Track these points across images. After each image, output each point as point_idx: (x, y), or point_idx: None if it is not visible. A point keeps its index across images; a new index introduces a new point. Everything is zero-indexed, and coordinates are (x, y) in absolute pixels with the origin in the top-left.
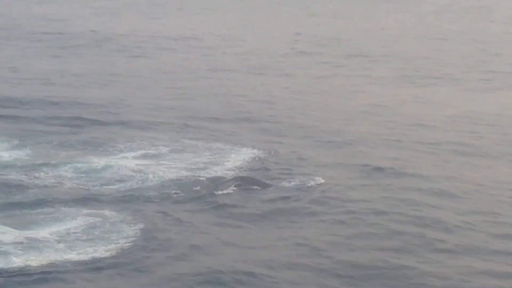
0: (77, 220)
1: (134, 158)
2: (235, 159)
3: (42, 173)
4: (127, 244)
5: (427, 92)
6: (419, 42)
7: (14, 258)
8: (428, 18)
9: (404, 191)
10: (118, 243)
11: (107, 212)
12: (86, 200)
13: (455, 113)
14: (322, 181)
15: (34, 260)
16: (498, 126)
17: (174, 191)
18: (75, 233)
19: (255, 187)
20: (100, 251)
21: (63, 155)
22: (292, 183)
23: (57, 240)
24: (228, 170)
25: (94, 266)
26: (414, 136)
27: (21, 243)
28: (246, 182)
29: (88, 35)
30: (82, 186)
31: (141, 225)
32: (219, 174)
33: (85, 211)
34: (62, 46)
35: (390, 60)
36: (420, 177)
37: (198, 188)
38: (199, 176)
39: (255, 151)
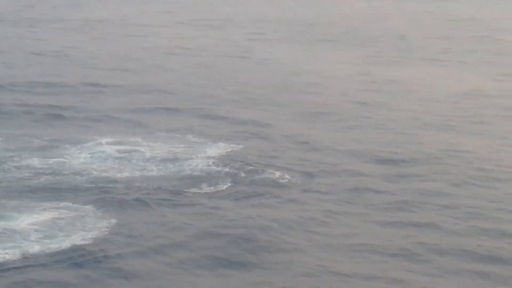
0: (49, 212)
1: (110, 148)
2: (209, 152)
3: (13, 164)
4: (102, 236)
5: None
6: None
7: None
8: None
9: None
10: (93, 234)
11: (80, 204)
12: (59, 191)
13: None
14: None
15: (9, 251)
16: None
17: (147, 184)
18: (49, 224)
19: (229, 181)
20: (74, 242)
21: (35, 145)
22: (263, 176)
23: (31, 230)
24: (203, 164)
25: (69, 257)
26: None
27: None
28: (222, 176)
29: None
30: (54, 178)
31: (114, 219)
32: (193, 167)
33: (57, 203)
34: None
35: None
36: None
37: (173, 182)
38: (173, 170)
39: (229, 144)
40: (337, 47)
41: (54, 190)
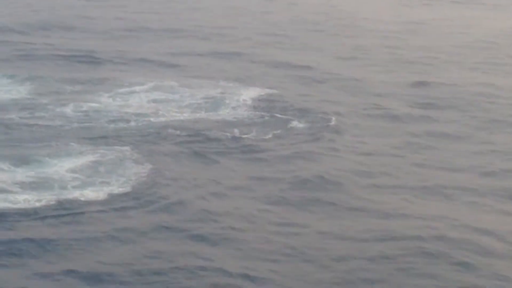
0: (86, 157)
1: (145, 95)
2: (245, 98)
3: (46, 112)
4: (139, 183)
5: None
6: None
7: (24, 197)
8: None
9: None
10: (130, 181)
11: (117, 149)
12: (94, 137)
13: None
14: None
15: (47, 198)
16: None
17: (183, 131)
18: (86, 170)
19: (270, 129)
20: (113, 188)
21: (69, 91)
22: (305, 124)
23: (69, 177)
24: (239, 110)
25: (108, 205)
26: None
27: (31, 182)
28: (259, 123)
29: None
30: (89, 124)
31: (150, 165)
32: (228, 114)
33: (93, 148)
34: None
35: None
36: None
37: (209, 128)
38: (209, 116)
39: (265, 89)
40: None
41: (90, 136)
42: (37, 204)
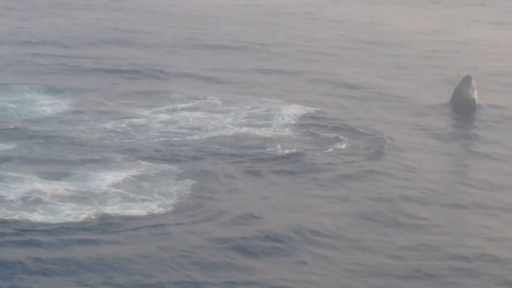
0: (129, 172)
1: (187, 110)
2: (288, 116)
3: (88, 126)
4: (182, 201)
5: None
6: None
7: (66, 211)
8: None
9: None
10: (173, 200)
11: (159, 167)
12: (137, 153)
13: None
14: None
15: (87, 213)
16: None
17: (226, 148)
18: (128, 187)
19: (315, 147)
20: (154, 206)
21: (111, 106)
22: (356, 142)
23: (109, 193)
24: (283, 127)
25: (148, 222)
26: None
27: (73, 196)
28: (304, 141)
29: None
30: (131, 139)
31: (193, 182)
32: (274, 132)
33: (134, 165)
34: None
35: None
36: None
37: (253, 145)
38: (254, 133)
39: (307, 107)
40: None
41: (130, 152)
42: (79, 219)
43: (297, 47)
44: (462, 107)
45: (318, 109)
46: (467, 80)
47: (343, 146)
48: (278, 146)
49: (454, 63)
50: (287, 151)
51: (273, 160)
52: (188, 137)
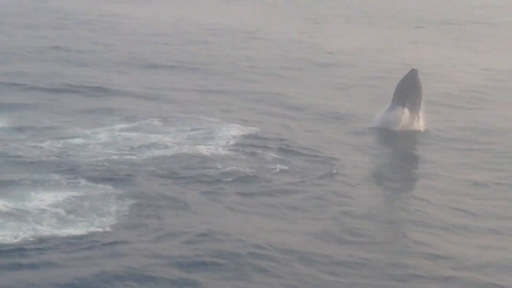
0: (68, 193)
1: (127, 130)
2: (229, 136)
3: (25, 144)
4: (122, 221)
5: None
6: None
7: (1, 232)
8: None
9: None
10: (110, 218)
11: (97, 186)
12: (76, 172)
13: None
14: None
15: (24, 234)
16: None
17: (166, 168)
18: (66, 207)
19: (256, 167)
20: (94, 227)
21: (48, 124)
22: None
23: (48, 214)
24: (224, 147)
25: (84, 243)
26: None
27: (10, 216)
28: (246, 161)
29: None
30: (70, 158)
31: (132, 201)
32: (215, 151)
33: (72, 184)
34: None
35: None
36: None
37: (194, 165)
38: (194, 153)
39: (248, 127)
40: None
41: (69, 172)
42: (15, 240)
43: (238, 67)
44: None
45: (259, 129)
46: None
47: (286, 166)
48: (219, 166)
49: (394, 83)
50: (228, 170)
51: (215, 180)
52: (128, 157)
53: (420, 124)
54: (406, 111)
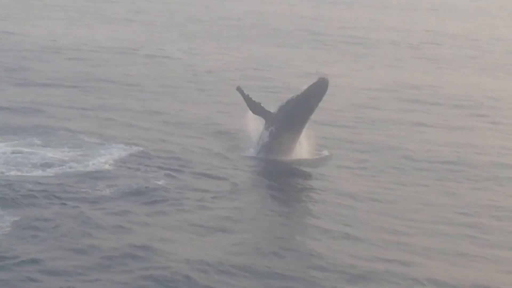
0: None
1: (2, 147)
2: (109, 152)
3: None
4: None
5: None
6: None
7: None
8: None
9: None
10: None
11: None
12: None
13: None
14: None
15: None
16: None
17: (45, 187)
18: None
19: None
20: None
21: None
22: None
23: None
24: (105, 165)
25: None
26: None
27: None
28: (127, 177)
29: None
30: None
31: (13, 219)
32: (97, 170)
33: None
34: None
35: None
36: None
37: (72, 185)
38: (73, 172)
39: (132, 145)
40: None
41: None
42: None
43: (116, 84)
44: None
45: (141, 147)
46: None
47: (169, 182)
48: (101, 184)
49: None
50: (109, 187)
51: (97, 199)
52: (6, 175)
53: (304, 148)
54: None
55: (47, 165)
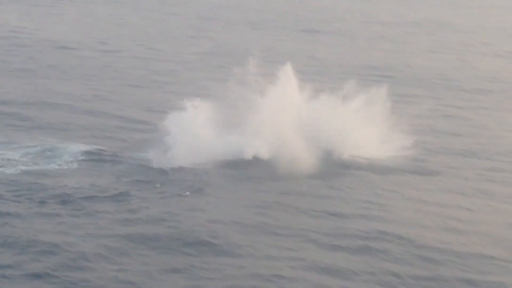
0: None
1: None
2: (74, 153)
3: None
4: None
5: None
6: None
7: None
8: None
9: None
10: None
11: None
12: None
13: None
14: None
15: None
16: None
17: (8, 186)
18: None
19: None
20: None
21: None
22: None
23: None
24: (68, 165)
25: None
26: None
27: None
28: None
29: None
30: None
31: None
32: (60, 169)
33: None
34: None
35: None
36: None
37: (38, 184)
38: (37, 171)
39: (92, 145)
40: None
41: None
42: None
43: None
44: None
45: (103, 146)
46: None
47: (131, 178)
48: (67, 183)
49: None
50: (75, 186)
51: (62, 198)
52: None
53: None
54: None
55: (8, 165)
